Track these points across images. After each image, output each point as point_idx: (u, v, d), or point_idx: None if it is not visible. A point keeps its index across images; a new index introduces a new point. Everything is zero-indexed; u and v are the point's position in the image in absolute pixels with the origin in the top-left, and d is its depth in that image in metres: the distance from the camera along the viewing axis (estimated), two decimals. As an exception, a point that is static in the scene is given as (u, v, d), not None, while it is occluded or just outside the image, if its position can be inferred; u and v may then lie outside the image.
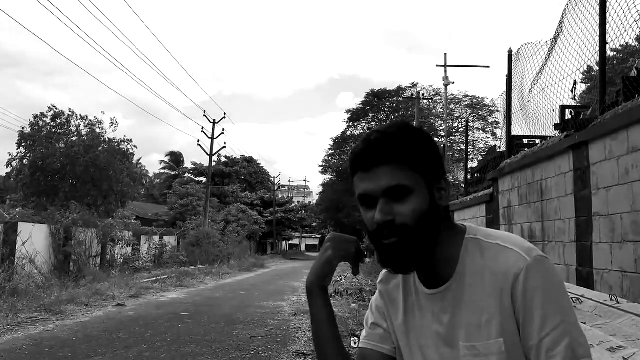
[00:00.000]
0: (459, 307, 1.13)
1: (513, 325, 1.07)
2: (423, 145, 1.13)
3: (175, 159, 64.51)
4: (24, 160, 26.00)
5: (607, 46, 5.10)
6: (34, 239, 14.83)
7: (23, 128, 25.92)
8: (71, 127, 26.77)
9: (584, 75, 6.61)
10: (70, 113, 26.90)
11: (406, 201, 1.09)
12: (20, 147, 26.03)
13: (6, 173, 27.80)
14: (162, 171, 65.57)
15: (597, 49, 5.16)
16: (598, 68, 5.22)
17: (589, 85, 8.47)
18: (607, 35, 5.04)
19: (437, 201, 1.14)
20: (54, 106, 26.75)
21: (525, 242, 1.12)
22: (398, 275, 1.28)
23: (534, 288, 1.05)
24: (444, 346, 1.16)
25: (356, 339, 7.51)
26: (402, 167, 1.09)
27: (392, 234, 1.09)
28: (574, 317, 1.06)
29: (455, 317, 1.14)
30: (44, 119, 26.30)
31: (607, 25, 5.02)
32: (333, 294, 13.98)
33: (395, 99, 48.16)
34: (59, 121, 26.47)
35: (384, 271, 1.34)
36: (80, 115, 27.12)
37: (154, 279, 17.22)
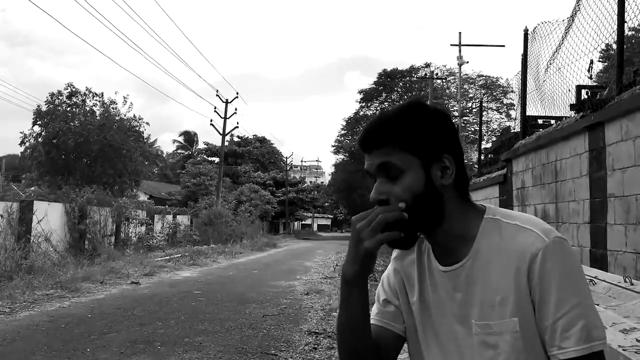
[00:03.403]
0: (473, 286, 1.13)
1: (528, 305, 1.07)
2: (418, 125, 1.14)
3: (189, 138, 64.72)
4: (39, 139, 26.13)
5: (626, 25, 5.01)
6: (49, 218, 15.01)
7: (39, 106, 26.01)
8: (86, 107, 26.86)
9: (601, 54, 6.51)
10: (87, 92, 26.96)
11: (399, 181, 1.13)
12: (35, 125, 26.15)
13: (21, 152, 27.99)
14: (176, 151, 65.93)
15: (615, 27, 5.07)
16: (616, 47, 5.13)
17: (606, 64, 8.34)
18: (626, 14, 4.95)
19: (437, 180, 1.14)
20: (71, 84, 26.83)
21: (545, 223, 1.12)
22: (413, 252, 1.28)
23: (551, 269, 1.05)
24: (456, 324, 1.16)
25: (368, 318, 7.55)
26: (394, 149, 1.13)
27: None
28: (590, 299, 1.06)
29: (469, 295, 1.14)
30: (60, 97, 26.38)
31: (626, 3, 4.93)
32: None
33: (407, 79, 47.80)
34: (74, 100, 26.56)
35: None
36: (94, 92, 27.17)
37: (168, 257, 17.40)
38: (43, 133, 25.96)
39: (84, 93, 26.84)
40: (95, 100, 27.14)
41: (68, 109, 26.38)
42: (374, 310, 1.35)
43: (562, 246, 1.07)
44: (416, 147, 1.13)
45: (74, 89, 26.59)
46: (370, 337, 1.24)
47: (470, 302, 1.14)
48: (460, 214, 1.16)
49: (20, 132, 26.63)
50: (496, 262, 1.11)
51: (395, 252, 1.35)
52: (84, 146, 25.41)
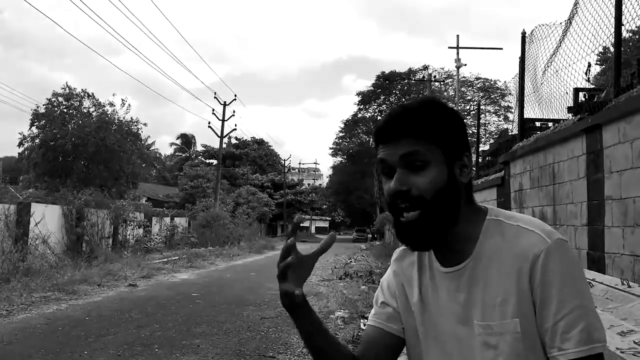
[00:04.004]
0: (475, 287, 1.13)
1: (529, 306, 1.07)
2: (444, 120, 1.14)
3: (187, 140, 64.70)
4: (36, 140, 26.09)
5: (623, 27, 5.02)
6: (46, 220, 14.97)
7: (37, 107, 26.00)
8: (83, 109, 26.83)
9: (598, 56, 6.52)
10: (83, 94, 26.94)
11: (423, 173, 1.10)
12: (33, 127, 26.11)
13: (18, 154, 27.94)
14: (174, 153, 65.90)
15: (613, 30, 5.07)
16: (613, 49, 5.13)
17: (603, 67, 8.36)
18: (623, 16, 4.96)
19: (457, 177, 1.14)
20: (69, 86, 26.79)
21: (547, 225, 1.12)
22: (413, 253, 1.28)
23: (552, 270, 1.05)
24: (459, 324, 1.16)
25: (365, 320, 7.55)
26: (420, 140, 1.10)
27: (410, 207, 1.10)
28: (590, 301, 1.06)
29: (471, 296, 1.14)
30: (59, 98, 26.36)
31: (623, 6, 4.94)
32: (343, 276, 14.04)
33: (406, 81, 47.81)
34: (72, 102, 26.53)
35: (399, 249, 1.35)
36: (88, 93, 27.13)
37: (165, 260, 17.38)
38: (40, 135, 25.92)
39: (80, 95, 26.79)
40: (91, 101, 27.10)
41: (65, 110, 26.35)
42: (371, 313, 1.35)
43: (564, 248, 1.07)
44: (443, 141, 1.12)
45: (71, 90, 26.56)
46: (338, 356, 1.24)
47: (472, 303, 1.13)
48: (467, 214, 1.16)
49: (20, 133, 26.60)
50: (498, 263, 1.11)
51: (395, 254, 1.35)
52: (80, 148, 25.38)
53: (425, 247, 1.18)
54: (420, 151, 1.10)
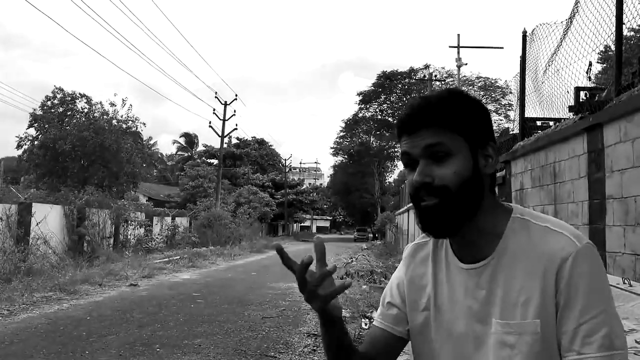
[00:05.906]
0: (496, 284, 1.12)
1: (552, 307, 1.06)
2: (468, 109, 1.13)
3: (190, 140, 64.63)
4: (35, 142, 26.14)
5: (624, 26, 5.01)
6: (48, 220, 15.00)
7: (35, 110, 26.11)
8: (77, 107, 26.86)
9: (599, 55, 6.51)
10: (79, 95, 26.97)
11: (447, 164, 1.09)
12: (31, 128, 26.18)
13: (18, 155, 27.97)
14: (176, 153, 65.86)
15: (614, 29, 5.07)
16: (614, 48, 5.13)
17: (604, 65, 8.35)
18: (624, 15, 4.95)
19: (482, 168, 1.13)
20: (61, 88, 26.81)
21: (574, 228, 1.11)
22: (427, 248, 1.27)
23: (580, 274, 1.04)
24: (475, 322, 1.14)
25: (367, 320, 7.55)
26: (444, 130, 1.09)
27: (431, 195, 1.10)
28: (614, 308, 1.06)
29: (492, 293, 1.12)
30: (54, 101, 26.43)
31: (624, 5, 4.93)
32: (344, 276, 14.03)
33: (407, 80, 47.81)
34: (68, 99, 26.57)
35: (410, 244, 1.34)
36: (80, 93, 27.18)
37: (167, 259, 17.37)
38: (40, 137, 25.98)
39: (73, 95, 26.83)
40: (85, 101, 27.09)
41: (61, 110, 26.40)
42: (377, 312, 1.34)
43: (593, 253, 1.07)
44: (467, 131, 1.11)
45: (63, 93, 26.60)
46: None
47: (492, 300, 1.12)
48: (490, 208, 1.15)
49: (16, 136, 26.70)
50: (523, 262, 1.10)
51: (406, 250, 1.34)
52: (78, 149, 25.37)
53: (445, 234, 1.15)
54: (443, 142, 1.09)
